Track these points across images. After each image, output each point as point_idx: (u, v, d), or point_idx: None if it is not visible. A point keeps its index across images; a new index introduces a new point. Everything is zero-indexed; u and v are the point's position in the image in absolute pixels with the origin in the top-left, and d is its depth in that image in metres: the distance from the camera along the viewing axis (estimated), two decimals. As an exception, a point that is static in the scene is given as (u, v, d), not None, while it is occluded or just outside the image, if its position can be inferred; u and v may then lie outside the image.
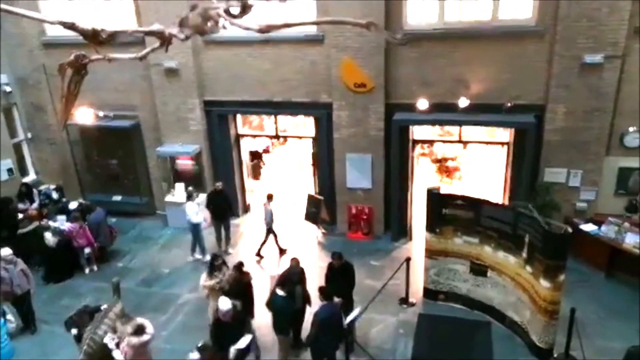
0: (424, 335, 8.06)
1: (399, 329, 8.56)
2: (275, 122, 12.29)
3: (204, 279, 7.87)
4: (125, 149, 12.76)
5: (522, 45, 9.60)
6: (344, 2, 9.62)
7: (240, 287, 7.59)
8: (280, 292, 7.25)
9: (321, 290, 7.09)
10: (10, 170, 12.13)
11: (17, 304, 8.82)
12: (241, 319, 6.98)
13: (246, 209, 13.11)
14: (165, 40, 6.70)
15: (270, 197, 10.83)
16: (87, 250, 10.50)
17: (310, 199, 11.97)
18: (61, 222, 10.68)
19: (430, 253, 8.92)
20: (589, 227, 9.76)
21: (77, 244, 10.36)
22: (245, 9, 6.91)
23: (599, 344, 7.65)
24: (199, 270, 10.51)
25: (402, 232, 11.39)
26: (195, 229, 10.75)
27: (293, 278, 7.59)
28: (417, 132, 11.21)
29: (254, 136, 13.73)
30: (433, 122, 10.91)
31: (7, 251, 8.53)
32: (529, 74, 9.70)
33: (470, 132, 11.16)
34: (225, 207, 11.07)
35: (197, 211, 10.59)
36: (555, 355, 7.66)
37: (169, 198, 12.42)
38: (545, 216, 7.64)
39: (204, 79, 11.58)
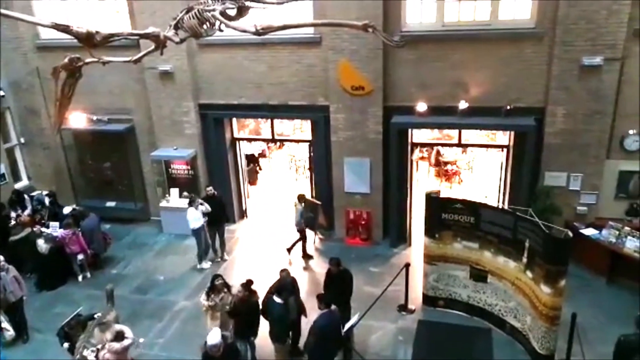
0: (423, 342, 7.98)
1: (398, 336, 8.45)
2: (272, 126, 12.18)
3: (203, 298, 7.63)
4: (120, 154, 12.62)
5: (521, 47, 9.53)
6: (341, 4, 9.54)
7: (248, 307, 7.33)
8: (277, 299, 7.12)
9: (319, 297, 6.99)
10: (2, 176, 11.98)
11: (10, 311, 8.66)
12: (234, 350, 6.67)
13: (243, 214, 12.97)
14: (160, 43, 6.62)
15: (301, 198, 10.75)
16: (80, 257, 10.34)
17: (308, 203, 11.83)
18: (54, 229, 10.53)
19: (430, 259, 8.81)
20: (589, 232, 9.68)
21: (70, 251, 10.21)
22: (241, 11, 6.86)
23: (600, 350, 7.53)
24: (195, 277, 10.46)
25: (401, 237, 11.27)
26: (195, 234, 10.60)
27: (287, 288, 7.46)
28: (416, 135, 11.11)
29: (250, 140, 13.62)
30: (432, 125, 10.82)
31: (-1, 258, 8.39)
32: (528, 77, 9.63)
33: (469, 135, 11.08)
34: (219, 213, 10.92)
35: (196, 217, 10.42)
36: (556, 362, 7.56)
37: (163, 204, 12.28)
38: (545, 220, 7.55)
39: (199, 82, 11.46)
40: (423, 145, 12.16)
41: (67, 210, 11.41)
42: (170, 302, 9.65)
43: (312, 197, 11.94)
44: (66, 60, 6.12)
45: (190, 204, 10.46)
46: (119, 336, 6.54)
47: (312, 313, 7.32)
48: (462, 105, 9.78)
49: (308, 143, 11.91)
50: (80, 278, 10.51)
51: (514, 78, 9.68)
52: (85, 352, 6.54)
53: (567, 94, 9.41)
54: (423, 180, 13.76)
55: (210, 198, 10.74)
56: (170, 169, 12.24)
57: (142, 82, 11.67)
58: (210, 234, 10.91)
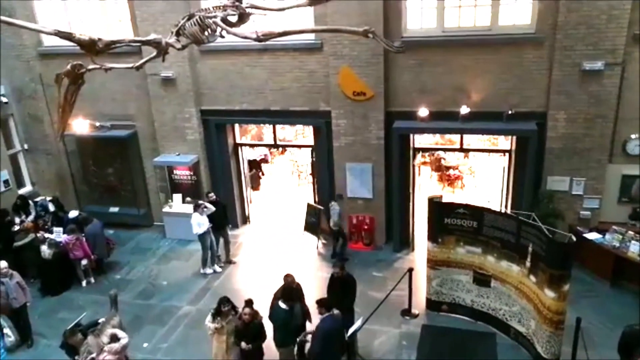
0: (427, 347, 7.96)
1: (401, 341, 8.42)
2: (274, 132, 12.21)
3: (209, 320, 7.24)
4: (122, 160, 12.66)
5: (521, 52, 9.55)
6: (342, 10, 9.58)
7: (252, 330, 7.06)
8: (283, 305, 7.11)
9: (319, 302, 6.97)
10: (6, 182, 12.03)
11: (14, 317, 8.67)
12: None
13: (245, 219, 12.97)
14: (162, 50, 6.66)
15: (340, 197, 10.75)
16: (84, 262, 10.36)
17: (310, 208, 11.86)
18: (57, 234, 10.56)
19: (433, 263, 8.80)
20: (593, 236, 9.66)
21: (74, 256, 10.22)
22: (242, 18, 6.88)
23: (605, 354, 7.51)
24: (199, 282, 10.46)
25: (404, 242, 11.26)
26: (201, 240, 10.61)
27: (291, 294, 7.44)
28: (418, 140, 11.12)
29: (253, 146, 13.66)
30: (433, 131, 10.85)
31: (3, 264, 8.43)
32: (529, 81, 9.65)
33: (471, 140, 11.08)
34: (223, 218, 10.96)
35: (201, 222, 10.42)
36: (561, 367, 7.53)
37: (166, 209, 12.31)
38: (548, 225, 7.54)
39: (201, 88, 11.51)
40: (425, 150, 12.18)
41: (72, 214, 11.44)
42: (173, 307, 9.65)
43: (314, 202, 11.95)
44: (69, 67, 6.15)
45: (196, 208, 10.48)
46: (114, 338, 6.57)
47: (315, 318, 7.32)
48: (464, 110, 9.79)
49: (310, 148, 11.93)
50: (84, 283, 10.53)
51: (515, 83, 9.70)
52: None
53: (569, 98, 9.42)
54: (425, 185, 13.77)
55: (212, 204, 10.76)
56: (172, 175, 12.28)
57: (144, 88, 11.72)
58: (215, 239, 10.93)
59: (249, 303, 7.12)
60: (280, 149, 15.28)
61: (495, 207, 10.58)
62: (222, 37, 6.84)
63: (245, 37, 6.56)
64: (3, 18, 5.49)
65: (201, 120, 11.75)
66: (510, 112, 9.65)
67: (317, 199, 12.00)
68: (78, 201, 13.24)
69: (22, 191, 12.58)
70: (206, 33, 6.62)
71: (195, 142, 11.85)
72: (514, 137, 10.29)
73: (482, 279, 8.43)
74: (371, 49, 9.83)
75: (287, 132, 13.86)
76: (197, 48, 10.26)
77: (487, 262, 8.25)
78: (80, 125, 12.01)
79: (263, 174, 15.76)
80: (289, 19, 9.37)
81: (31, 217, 11.54)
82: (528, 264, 7.61)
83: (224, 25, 6.51)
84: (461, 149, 11.39)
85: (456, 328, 8.48)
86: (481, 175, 14.26)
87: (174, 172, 12.24)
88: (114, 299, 7.64)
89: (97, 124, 12.23)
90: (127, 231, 12.66)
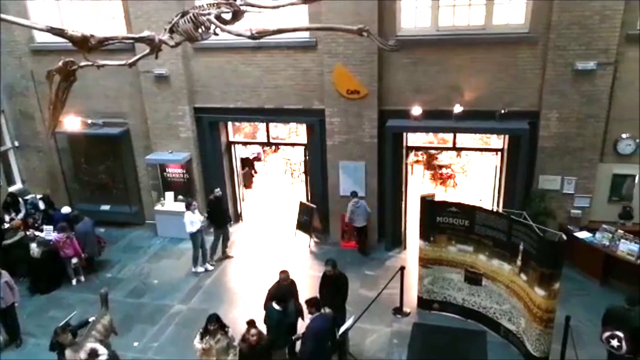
0: (418, 345, 7.99)
1: (393, 339, 8.44)
2: (267, 130, 12.19)
3: (197, 340, 6.82)
4: (114, 157, 12.59)
5: (515, 51, 9.59)
6: (337, 9, 9.57)
7: (259, 351, 6.53)
8: (276, 306, 7.09)
9: (309, 302, 6.96)
10: (-4, 179, 11.95)
11: (2, 317, 8.57)
12: None
13: (238, 217, 12.95)
14: (155, 47, 6.62)
15: (355, 194, 10.73)
16: (74, 260, 10.28)
17: (303, 207, 11.86)
18: (48, 232, 10.48)
19: (425, 262, 8.83)
20: (583, 235, 9.74)
21: (64, 254, 10.14)
22: (236, 15, 6.86)
23: (594, 352, 7.57)
24: (190, 280, 10.43)
25: (396, 241, 11.28)
26: (192, 238, 10.58)
27: (286, 291, 7.43)
28: (411, 139, 11.14)
29: (246, 143, 13.63)
30: (427, 129, 10.87)
31: (-9, 263, 8.33)
32: (523, 81, 9.69)
33: (464, 139, 11.11)
34: (226, 215, 10.98)
35: (194, 220, 10.40)
36: (550, 364, 7.59)
37: (158, 207, 12.25)
38: (539, 224, 7.58)
39: (195, 86, 11.47)
40: (418, 149, 12.22)
41: (65, 210, 11.35)
42: (164, 306, 9.61)
43: (307, 200, 11.95)
44: (60, 63, 6.10)
45: (188, 207, 10.45)
46: (93, 353, 6.42)
47: (307, 317, 7.31)
48: (457, 109, 9.82)
49: (303, 146, 11.92)
50: (74, 282, 10.45)
51: (508, 82, 9.74)
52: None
53: (561, 98, 9.47)
54: (418, 184, 13.82)
55: (217, 200, 10.79)
56: (165, 173, 12.22)
57: (137, 85, 11.65)
58: (215, 236, 10.97)
59: (252, 324, 6.57)
60: (274, 147, 15.26)
61: (487, 205, 10.67)
62: (216, 34, 6.81)
63: (240, 35, 6.53)
64: (-6, 14, 5.44)
65: (194, 118, 11.70)
66: (503, 111, 9.69)
67: (309, 198, 11.99)
68: (69, 199, 13.14)
69: (12, 189, 12.48)
70: (200, 30, 6.59)
71: (188, 140, 11.81)
72: (507, 136, 10.34)
73: (473, 278, 8.46)
74: (365, 48, 9.84)
75: (280, 130, 13.84)
76: (191, 45, 10.22)
77: (479, 260, 8.29)
78: (72, 123, 11.94)
79: (256, 172, 15.73)
80: (283, 17, 9.36)
81: (21, 215, 11.45)
82: (519, 262, 7.65)
83: (217, 23, 6.48)
84: (454, 148, 11.42)
85: (447, 326, 8.52)
86: (473, 174, 14.32)
87: (167, 170, 12.18)
88: (104, 297, 7.59)
89: (89, 121, 12.15)
90: (118, 229, 12.59)
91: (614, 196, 9.97)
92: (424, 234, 8.68)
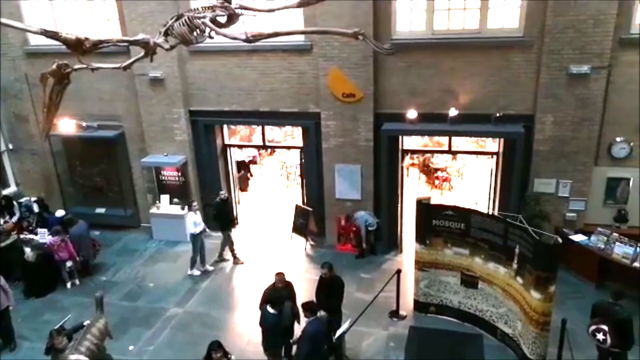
0: (414, 349, 7.95)
1: (389, 343, 8.43)
2: (263, 133, 12.17)
3: None
4: (109, 160, 12.54)
5: (509, 55, 9.62)
6: (332, 12, 9.57)
7: None
8: (271, 309, 7.07)
9: (305, 306, 6.95)
10: (-11, 182, 11.88)
11: (-5, 320, 8.53)
12: None
13: (234, 220, 12.88)
14: (149, 50, 6.60)
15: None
16: (69, 264, 10.23)
17: (299, 210, 11.84)
18: (42, 236, 10.42)
19: (421, 265, 8.83)
20: (578, 238, 9.76)
21: (59, 258, 10.09)
22: (232, 18, 6.85)
23: (590, 355, 7.58)
24: (185, 283, 10.39)
25: (392, 244, 11.29)
26: (193, 240, 10.55)
27: (281, 294, 7.41)
28: (407, 142, 11.16)
29: (241, 146, 13.61)
30: (422, 133, 10.89)
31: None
32: (517, 84, 9.73)
33: (459, 142, 11.13)
34: (231, 216, 11.01)
35: (196, 222, 10.39)
36: (546, 367, 7.60)
37: (154, 210, 12.21)
38: (535, 227, 7.60)
39: (190, 89, 11.44)
40: (413, 152, 12.23)
41: (59, 213, 11.29)
42: (160, 309, 9.56)
43: (303, 203, 11.93)
44: (54, 66, 6.07)
45: (189, 208, 10.44)
46: None
47: (302, 321, 7.29)
48: (452, 112, 9.84)
49: (299, 150, 11.91)
50: (69, 285, 10.39)
51: (503, 86, 9.77)
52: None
53: (556, 101, 9.51)
54: (414, 187, 13.83)
55: (222, 202, 10.80)
56: (160, 176, 12.18)
57: (132, 88, 11.62)
58: (224, 237, 10.97)
59: (217, 346, 6.37)
60: (269, 150, 15.24)
61: (483, 208, 10.68)
62: (211, 37, 6.80)
63: (235, 38, 6.53)
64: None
65: (190, 121, 11.68)
66: (498, 114, 9.72)
67: (305, 201, 11.98)
68: (64, 202, 13.07)
69: (6, 192, 12.41)
70: (195, 33, 6.58)
71: (184, 142, 11.78)
72: (502, 140, 10.38)
73: (469, 281, 8.47)
74: (361, 51, 9.85)
75: (275, 133, 13.83)
76: (186, 48, 10.18)
77: (475, 263, 8.30)
78: (67, 125, 11.89)
79: (252, 175, 15.71)
80: (278, 20, 9.36)
81: (15, 218, 11.38)
82: (515, 265, 7.66)
83: (212, 26, 6.47)
84: (449, 151, 11.44)
85: (443, 329, 8.48)
86: (469, 177, 14.35)
87: (162, 172, 12.15)
88: (99, 301, 7.55)
89: (84, 124, 12.10)
90: (113, 232, 12.54)
91: (609, 199, 10.02)
92: (420, 237, 8.68)
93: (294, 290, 7.90)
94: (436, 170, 14.37)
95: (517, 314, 7.78)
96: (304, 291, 8.93)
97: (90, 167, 12.78)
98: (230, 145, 12.47)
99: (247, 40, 6.40)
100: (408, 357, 7.70)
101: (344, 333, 7.48)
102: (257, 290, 8.06)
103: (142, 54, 6.62)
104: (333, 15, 9.59)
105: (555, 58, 9.27)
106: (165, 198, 12.16)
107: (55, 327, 6.83)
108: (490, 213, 9.78)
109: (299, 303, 7.43)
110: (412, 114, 10.06)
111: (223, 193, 10.98)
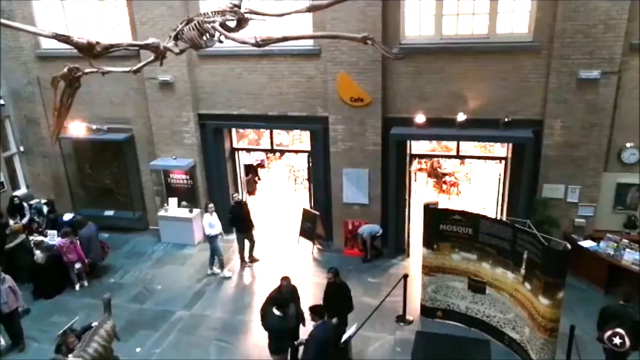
0: (421, 354, 7.94)
1: (396, 347, 8.40)
2: (271, 136, 12.21)
3: None
4: (119, 163, 12.63)
5: (519, 60, 9.59)
6: (341, 17, 9.61)
7: None
8: (276, 312, 7.08)
9: (313, 309, 6.95)
10: (1, 184, 11.99)
11: (5, 322, 8.59)
12: None
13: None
14: (159, 54, 6.67)
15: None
16: (77, 265, 10.29)
17: (306, 214, 11.85)
18: (51, 237, 10.50)
19: (428, 270, 8.80)
20: (587, 244, 9.69)
21: (68, 259, 10.16)
22: (241, 23, 6.90)
23: (599, 362, 7.53)
24: (193, 286, 10.42)
25: (399, 248, 11.27)
26: (210, 241, 10.61)
27: (286, 297, 7.42)
28: (415, 146, 11.15)
29: (249, 150, 13.65)
30: (430, 137, 10.87)
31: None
32: (526, 89, 9.69)
33: (467, 147, 11.10)
34: (248, 219, 11.00)
35: (212, 223, 10.44)
36: (555, 375, 7.53)
37: (162, 213, 12.27)
38: (543, 232, 7.55)
39: (199, 93, 11.51)
40: (421, 156, 12.20)
41: (67, 217, 11.38)
42: (167, 312, 9.59)
43: (310, 207, 11.95)
44: (65, 70, 6.16)
45: (206, 209, 10.57)
46: None
47: (309, 325, 7.28)
48: (461, 117, 9.83)
49: (307, 154, 11.92)
50: (77, 287, 10.46)
51: (512, 91, 9.74)
52: None
53: (565, 106, 9.46)
54: (421, 192, 13.80)
55: (237, 204, 10.84)
56: (169, 179, 12.25)
57: (142, 92, 11.72)
58: (238, 241, 11.00)
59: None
60: (277, 153, 15.28)
61: (491, 214, 10.64)
62: (221, 42, 6.86)
63: (244, 42, 6.57)
64: (2, 21, 5.50)
65: (198, 124, 11.75)
66: (507, 119, 9.69)
67: (313, 204, 11.99)
68: (73, 204, 13.18)
69: (17, 193, 12.48)
70: (204, 38, 6.63)
71: (192, 146, 11.85)
72: (510, 145, 10.33)
73: (477, 286, 8.43)
74: (369, 56, 9.87)
75: (283, 137, 13.88)
76: (196, 52, 10.27)
77: (482, 268, 8.26)
78: (77, 128, 12.00)
79: (259, 179, 15.75)
80: (287, 25, 9.40)
81: (25, 220, 11.48)
82: (523, 271, 7.61)
83: (222, 30, 6.53)
84: (457, 156, 11.42)
85: (450, 335, 8.47)
86: (477, 182, 14.29)
87: (170, 175, 12.21)
88: (107, 303, 7.58)
89: (94, 127, 12.20)
90: (122, 235, 12.61)
91: (619, 205, 9.94)
92: (428, 242, 8.65)
93: (298, 293, 7.90)
94: (444, 174, 14.32)
95: (524, 319, 7.73)
96: (311, 295, 8.93)
97: (99, 169, 12.88)
98: (238, 149, 12.52)
99: (256, 44, 6.44)
100: (415, 362, 7.69)
101: (350, 337, 7.46)
102: (264, 293, 8.07)
103: (152, 57, 6.69)
104: (342, 20, 9.63)
105: (564, 63, 9.24)
106: (173, 201, 12.22)
107: (62, 330, 6.89)
108: (498, 218, 9.73)
109: (306, 307, 7.43)
110: (420, 118, 10.06)
111: (236, 195, 11.01)
